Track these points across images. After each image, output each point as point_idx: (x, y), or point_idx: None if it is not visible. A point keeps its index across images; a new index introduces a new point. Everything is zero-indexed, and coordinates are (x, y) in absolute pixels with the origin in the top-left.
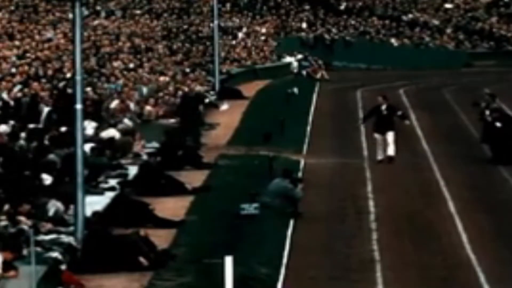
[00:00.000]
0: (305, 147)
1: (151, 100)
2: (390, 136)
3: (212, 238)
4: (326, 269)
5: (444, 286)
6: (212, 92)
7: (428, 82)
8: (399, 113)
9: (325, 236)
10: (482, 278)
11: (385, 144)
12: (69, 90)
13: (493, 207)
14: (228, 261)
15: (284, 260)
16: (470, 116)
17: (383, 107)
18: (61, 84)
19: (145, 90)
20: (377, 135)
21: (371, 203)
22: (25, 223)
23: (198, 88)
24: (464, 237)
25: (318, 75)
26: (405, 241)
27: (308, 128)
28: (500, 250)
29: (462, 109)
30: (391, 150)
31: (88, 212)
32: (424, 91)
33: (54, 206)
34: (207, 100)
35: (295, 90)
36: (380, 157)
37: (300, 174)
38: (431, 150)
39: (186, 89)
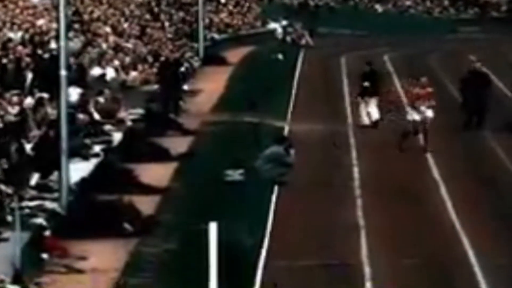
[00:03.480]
0: (289, 113)
1: (137, 66)
2: (373, 101)
3: (196, 205)
4: (311, 235)
5: (429, 253)
6: (196, 58)
7: (413, 49)
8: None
9: (310, 202)
10: (467, 245)
11: (368, 108)
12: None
13: (477, 174)
14: (213, 227)
15: (269, 226)
16: (454, 82)
17: (367, 71)
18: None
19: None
20: (360, 100)
21: (355, 169)
22: (5, 190)
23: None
24: (449, 204)
25: (303, 42)
26: (390, 208)
27: (293, 94)
28: (485, 217)
29: (447, 75)
30: (375, 114)
31: (73, 178)
32: (409, 58)
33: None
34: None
35: (280, 56)
36: (364, 122)
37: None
38: None
39: (168, 55)
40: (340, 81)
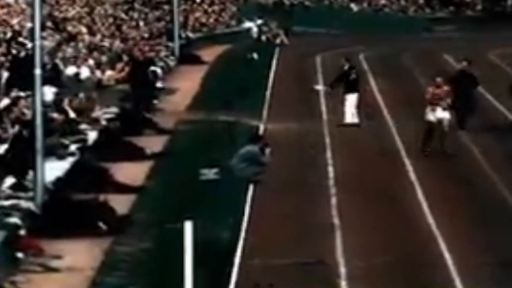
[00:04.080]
0: (264, 112)
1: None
2: (352, 99)
3: (171, 203)
4: (286, 234)
5: (404, 251)
6: (171, 57)
7: (387, 47)
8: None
9: (284, 201)
10: (442, 244)
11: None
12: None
13: (453, 173)
14: (188, 226)
15: (244, 224)
16: (429, 81)
17: (345, 67)
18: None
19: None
20: (342, 97)
21: (330, 168)
22: None
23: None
24: (424, 203)
25: (278, 40)
26: (365, 207)
27: (268, 93)
28: (460, 216)
29: (421, 74)
30: (352, 117)
31: (48, 177)
32: (384, 56)
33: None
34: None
35: (255, 55)
36: (350, 120)
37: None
38: (390, 115)
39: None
40: (316, 80)
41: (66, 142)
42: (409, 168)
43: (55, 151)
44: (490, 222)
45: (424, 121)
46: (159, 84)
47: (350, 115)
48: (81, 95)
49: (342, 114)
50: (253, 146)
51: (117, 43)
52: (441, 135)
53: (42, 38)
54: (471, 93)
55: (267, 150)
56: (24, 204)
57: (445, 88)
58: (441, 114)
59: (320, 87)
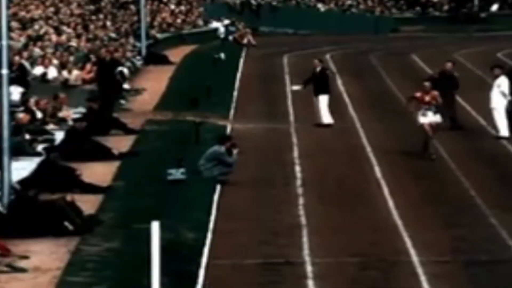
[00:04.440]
0: (232, 112)
1: (81, 65)
2: (324, 100)
3: (139, 204)
4: (253, 234)
5: (371, 250)
6: (138, 58)
7: (355, 48)
8: (328, 71)
9: (252, 201)
10: (408, 243)
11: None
12: None
13: (419, 173)
14: (155, 226)
15: (211, 225)
16: (396, 81)
17: (318, 69)
18: None
19: (71, 57)
20: (314, 98)
21: (297, 168)
22: None
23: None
24: (390, 202)
25: (245, 41)
26: (332, 206)
27: (235, 93)
28: (426, 215)
29: (389, 74)
30: (325, 118)
31: (15, 177)
32: (351, 57)
33: None
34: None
35: (222, 55)
36: (317, 120)
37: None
38: (358, 115)
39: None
40: (283, 80)
41: (33, 141)
42: (376, 167)
43: (22, 151)
44: (457, 220)
45: (418, 126)
46: (126, 85)
47: (326, 115)
48: (48, 94)
49: (314, 114)
50: (220, 146)
51: (84, 43)
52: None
53: (9, 38)
54: (451, 94)
55: (235, 151)
56: None
57: (434, 93)
58: (433, 118)
59: (297, 87)
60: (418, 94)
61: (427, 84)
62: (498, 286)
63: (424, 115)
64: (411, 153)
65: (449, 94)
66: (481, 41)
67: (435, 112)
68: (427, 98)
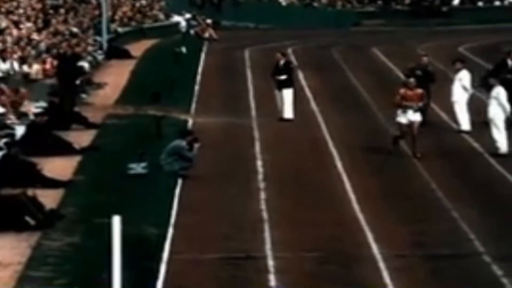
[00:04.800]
0: (193, 106)
1: (41, 59)
2: (287, 94)
3: (100, 198)
4: (215, 229)
5: (332, 245)
6: (99, 52)
7: (316, 42)
8: (292, 65)
9: (213, 195)
10: (369, 237)
11: (282, 102)
12: None
13: (381, 167)
14: (116, 220)
15: (173, 219)
16: (358, 75)
17: (281, 62)
18: None
19: (32, 52)
20: (276, 92)
21: (259, 162)
22: None
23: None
24: (352, 197)
25: (206, 35)
26: (294, 201)
27: (197, 88)
28: (388, 209)
29: (350, 68)
30: (287, 112)
31: None
32: (313, 51)
33: None
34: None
35: (183, 49)
36: (280, 114)
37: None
38: (319, 109)
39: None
40: (244, 74)
41: None
42: (338, 161)
43: None
44: (418, 214)
45: (396, 124)
46: (87, 79)
47: (289, 110)
48: (9, 89)
49: (276, 108)
50: (181, 140)
51: (45, 37)
52: (413, 138)
53: None
54: (426, 88)
55: (196, 145)
56: None
57: (419, 91)
58: (412, 116)
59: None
60: (402, 91)
61: (411, 80)
62: (459, 279)
63: (404, 112)
64: (372, 147)
65: (424, 88)
66: (443, 35)
67: (415, 111)
68: (410, 96)
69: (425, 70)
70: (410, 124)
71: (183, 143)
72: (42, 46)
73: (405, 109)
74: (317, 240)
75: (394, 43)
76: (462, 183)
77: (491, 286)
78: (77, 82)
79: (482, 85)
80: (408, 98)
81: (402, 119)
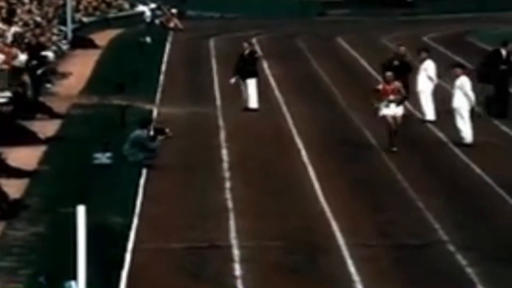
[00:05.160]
0: (158, 96)
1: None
2: (251, 84)
3: (64, 188)
4: (179, 218)
5: (297, 234)
6: (64, 42)
7: (281, 31)
8: (257, 55)
9: (178, 185)
10: (335, 227)
11: (249, 91)
12: None
13: (346, 158)
14: (81, 210)
15: (138, 209)
16: (322, 65)
17: (246, 52)
18: None
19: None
20: (234, 79)
21: (224, 152)
22: None
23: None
24: (317, 187)
25: (171, 24)
26: (259, 190)
27: (161, 77)
28: (353, 199)
29: (315, 58)
30: (252, 102)
31: None
32: (278, 40)
33: None
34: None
35: (148, 39)
36: (244, 104)
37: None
38: (284, 99)
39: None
40: (209, 63)
41: None
42: (303, 151)
43: None
44: (384, 204)
45: (381, 117)
46: (51, 69)
47: (254, 99)
48: None
49: (241, 98)
50: (142, 131)
51: (10, 27)
52: (395, 131)
53: None
54: (404, 79)
55: (159, 137)
56: None
57: (396, 84)
58: (395, 109)
59: (233, 80)
60: (380, 86)
61: (389, 74)
62: (424, 268)
63: (387, 106)
64: (338, 137)
65: (401, 78)
66: (407, 25)
67: (398, 104)
68: (389, 89)
69: (402, 60)
70: (394, 117)
71: (144, 133)
72: (8, 36)
73: (387, 102)
74: (282, 229)
75: (359, 33)
76: (428, 173)
77: (455, 275)
78: (40, 71)
79: (477, 77)
80: (388, 92)
81: (386, 111)
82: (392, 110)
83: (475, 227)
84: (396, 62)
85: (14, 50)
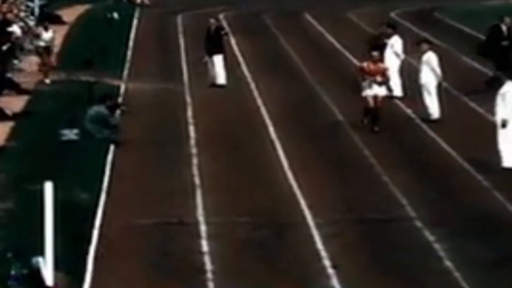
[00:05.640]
0: (126, 72)
1: None
2: (218, 60)
3: (32, 164)
4: (147, 194)
5: (265, 211)
6: (31, 17)
7: (248, 8)
8: (223, 32)
9: (146, 161)
10: (302, 203)
11: (216, 68)
12: None
13: (314, 134)
14: (48, 186)
15: (105, 185)
16: (290, 41)
17: (212, 28)
18: None
19: None
20: (207, 58)
21: (191, 128)
22: None
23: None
24: (285, 164)
25: (138, 0)
26: (226, 167)
27: (129, 53)
28: (321, 176)
29: (282, 34)
30: (220, 78)
31: None
32: (245, 17)
33: None
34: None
35: (115, 15)
36: (212, 80)
37: (120, 100)
38: (252, 76)
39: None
40: (177, 39)
41: None
42: (270, 127)
43: None
44: (351, 180)
45: (362, 97)
46: (18, 45)
47: (221, 75)
48: None
49: (208, 74)
50: (100, 106)
51: None
52: (376, 111)
53: None
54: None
55: (117, 112)
56: None
57: (381, 66)
58: (377, 89)
59: (206, 58)
60: (364, 64)
61: (375, 54)
62: (391, 244)
63: (369, 86)
64: (305, 113)
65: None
66: (375, 0)
67: (379, 84)
68: (373, 70)
69: (388, 38)
70: (375, 96)
71: (103, 109)
72: None
73: (370, 82)
74: (249, 206)
75: (326, 9)
76: (395, 149)
77: (423, 251)
78: (5, 47)
79: (479, 54)
80: (371, 72)
81: (368, 91)
82: (375, 90)
83: (442, 202)
84: (381, 41)
85: None
